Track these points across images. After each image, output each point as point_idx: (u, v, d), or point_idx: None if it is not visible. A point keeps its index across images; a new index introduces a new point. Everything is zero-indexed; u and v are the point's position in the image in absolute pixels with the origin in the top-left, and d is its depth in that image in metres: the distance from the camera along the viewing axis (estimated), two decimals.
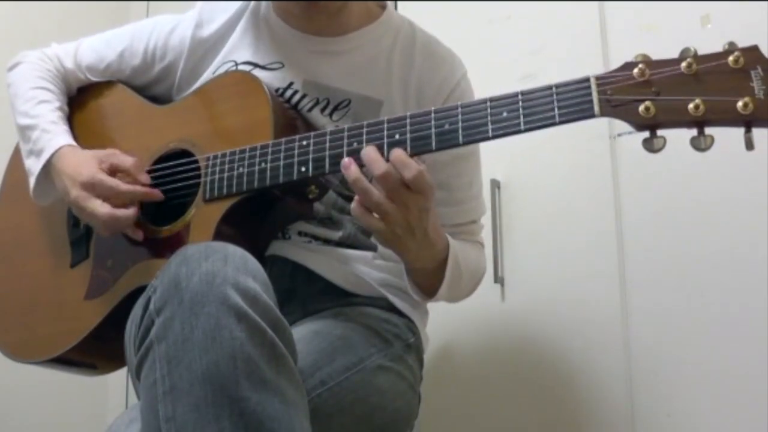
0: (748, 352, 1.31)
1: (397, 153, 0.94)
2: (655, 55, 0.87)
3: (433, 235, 1.01)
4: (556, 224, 1.53)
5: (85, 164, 1.14)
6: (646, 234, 1.45)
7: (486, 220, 1.30)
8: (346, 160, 0.96)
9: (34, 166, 1.20)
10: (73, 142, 1.21)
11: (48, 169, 1.18)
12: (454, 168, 1.19)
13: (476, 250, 1.22)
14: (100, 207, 1.11)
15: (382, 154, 0.95)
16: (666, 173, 1.43)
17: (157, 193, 1.13)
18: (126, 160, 1.14)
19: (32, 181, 1.20)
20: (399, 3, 1.79)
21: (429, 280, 1.10)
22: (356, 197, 0.95)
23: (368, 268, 1.17)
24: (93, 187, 1.11)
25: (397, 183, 0.93)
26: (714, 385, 1.34)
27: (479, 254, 1.23)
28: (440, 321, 1.32)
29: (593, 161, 1.51)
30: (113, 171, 1.14)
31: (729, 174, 1.37)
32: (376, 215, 0.95)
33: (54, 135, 1.20)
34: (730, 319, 1.34)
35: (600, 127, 1.49)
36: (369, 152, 0.95)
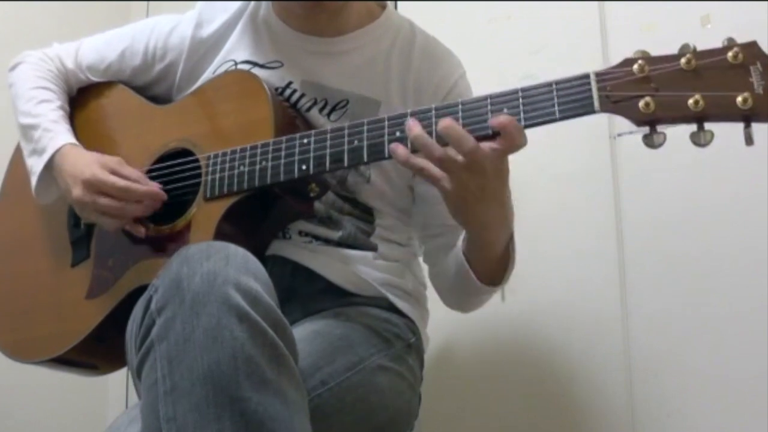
0: (748, 352, 1.31)
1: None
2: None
3: (509, 210, 1.00)
4: (556, 224, 1.53)
5: (87, 164, 1.14)
6: (646, 233, 1.45)
7: None
8: (413, 125, 0.93)
9: (36, 165, 1.20)
10: (75, 141, 1.21)
11: (50, 167, 1.19)
12: None
13: None
14: (110, 202, 1.10)
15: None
16: (666, 173, 1.43)
17: (160, 194, 1.12)
18: (132, 172, 1.14)
19: (34, 180, 1.20)
20: (399, 3, 1.79)
21: (491, 265, 1.06)
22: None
23: (369, 268, 1.16)
24: (95, 185, 1.11)
25: (471, 144, 0.90)
26: (714, 386, 1.34)
27: None
28: (440, 321, 1.32)
29: (593, 161, 1.52)
30: (112, 173, 1.13)
31: (729, 174, 1.37)
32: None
33: (56, 134, 1.20)
34: (730, 320, 1.34)
35: (600, 127, 1.50)
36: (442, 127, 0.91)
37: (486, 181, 0.92)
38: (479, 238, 1.04)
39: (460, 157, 0.90)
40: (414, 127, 0.93)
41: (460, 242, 1.10)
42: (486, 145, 0.91)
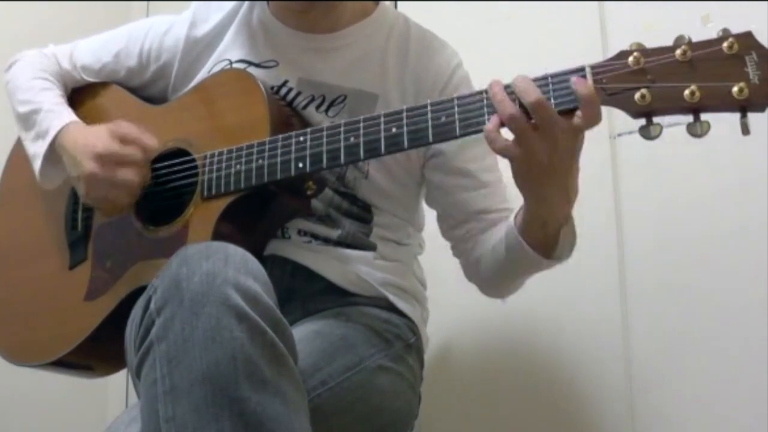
0: (748, 355, 1.31)
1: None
2: None
3: (572, 188, 0.96)
4: None
5: (99, 137, 1.12)
6: (646, 234, 1.45)
7: None
8: (494, 84, 0.92)
9: (39, 148, 1.18)
10: (78, 120, 1.20)
11: (54, 147, 1.17)
12: (470, 152, 1.16)
13: None
14: (131, 174, 1.09)
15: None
16: (666, 173, 1.43)
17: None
18: (131, 129, 1.12)
19: (38, 164, 1.18)
20: (399, 3, 1.79)
21: (543, 241, 1.02)
22: (492, 117, 0.91)
23: (369, 268, 1.16)
24: (112, 157, 1.09)
25: (552, 113, 0.89)
26: (714, 389, 1.34)
27: None
28: (440, 321, 1.32)
29: (593, 161, 1.51)
30: (124, 142, 1.11)
31: (730, 175, 1.37)
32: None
33: (58, 114, 1.20)
34: (731, 322, 1.34)
35: (600, 127, 1.48)
36: (519, 81, 0.90)
37: (554, 151, 0.90)
38: (536, 213, 0.99)
39: (533, 121, 0.88)
40: (495, 86, 0.91)
41: (511, 219, 1.06)
42: (564, 117, 0.89)
